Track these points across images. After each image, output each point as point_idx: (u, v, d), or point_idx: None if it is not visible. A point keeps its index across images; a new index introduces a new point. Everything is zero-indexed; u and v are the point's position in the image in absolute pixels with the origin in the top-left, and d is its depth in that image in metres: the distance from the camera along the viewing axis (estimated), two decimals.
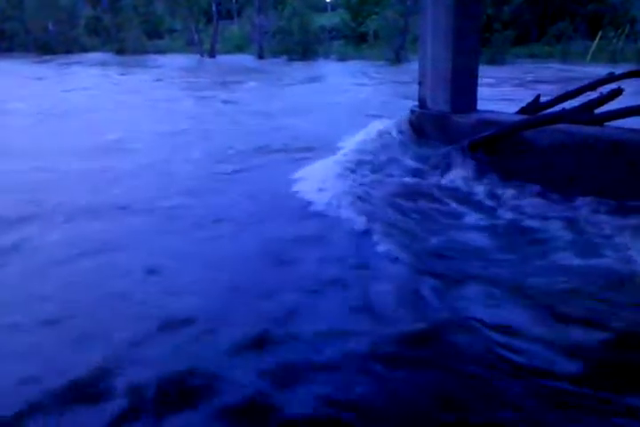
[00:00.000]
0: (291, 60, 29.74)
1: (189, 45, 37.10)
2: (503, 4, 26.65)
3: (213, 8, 34.96)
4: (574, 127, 5.59)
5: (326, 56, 30.58)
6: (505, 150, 6.18)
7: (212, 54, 34.17)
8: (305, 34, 30.46)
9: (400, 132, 7.41)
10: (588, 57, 22.49)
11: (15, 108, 13.46)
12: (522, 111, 6.87)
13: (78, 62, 31.45)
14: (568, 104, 6.06)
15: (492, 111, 7.06)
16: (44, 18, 41.65)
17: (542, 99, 6.90)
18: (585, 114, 5.47)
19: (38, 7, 41.65)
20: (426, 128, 7.24)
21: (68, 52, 40.24)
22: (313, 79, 19.75)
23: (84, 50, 41.16)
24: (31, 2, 42.22)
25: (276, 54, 31.60)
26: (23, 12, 43.11)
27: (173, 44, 39.60)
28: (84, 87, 18.10)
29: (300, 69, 24.50)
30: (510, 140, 6.09)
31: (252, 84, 18.71)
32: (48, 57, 37.07)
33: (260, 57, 31.87)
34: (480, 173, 6.14)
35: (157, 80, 20.40)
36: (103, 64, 29.56)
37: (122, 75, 23.19)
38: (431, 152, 6.80)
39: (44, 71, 25.40)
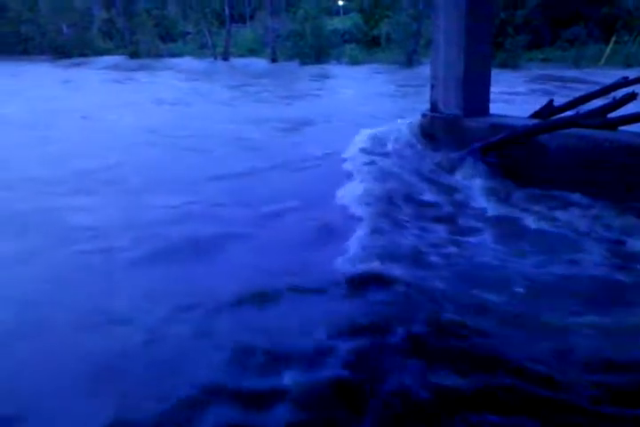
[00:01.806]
0: (303, 63, 29.79)
1: (202, 48, 37.26)
2: (516, 9, 26.54)
3: (226, 11, 35.12)
4: (587, 132, 5.55)
5: (339, 59, 30.62)
6: (517, 154, 6.15)
7: (225, 57, 34.30)
8: (317, 37, 30.53)
9: (411, 135, 7.40)
10: (602, 61, 22.35)
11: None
12: (535, 115, 6.83)
13: (111, 67, 30.80)
14: (582, 108, 6.02)
15: (504, 115, 7.03)
16: (59, 20, 42.06)
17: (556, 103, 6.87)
18: (598, 118, 5.42)
19: (53, 10, 42.10)
20: (437, 132, 7.21)
21: (82, 54, 40.50)
22: (407, 86, 17.82)
23: (98, 53, 41.40)
24: (46, 4, 42.64)
25: (288, 58, 31.68)
26: (38, 14, 43.53)
27: (186, 48, 39.76)
28: (182, 101, 16.05)
29: (351, 74, 23.85)
30: (523, 144, 6.06)
31: (348, 91, 17.32)
32: (77, 60, 37.21)
33: (273, 60, 31.96)
34: (492, 178, 6.11)
35: (232, 88, 19.06)
36: (140, 69, 28.87)
37: (184, 81, 21.91)
38: (443, 156, 6.78)
39: (93, 78, 24.43)
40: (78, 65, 33.52)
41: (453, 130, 6.95)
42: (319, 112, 13.13)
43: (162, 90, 19.23)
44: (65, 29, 42.43)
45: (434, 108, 7.31)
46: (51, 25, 42.42)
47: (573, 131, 5.63)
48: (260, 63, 31.53)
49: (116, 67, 30.99)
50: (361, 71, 24.89)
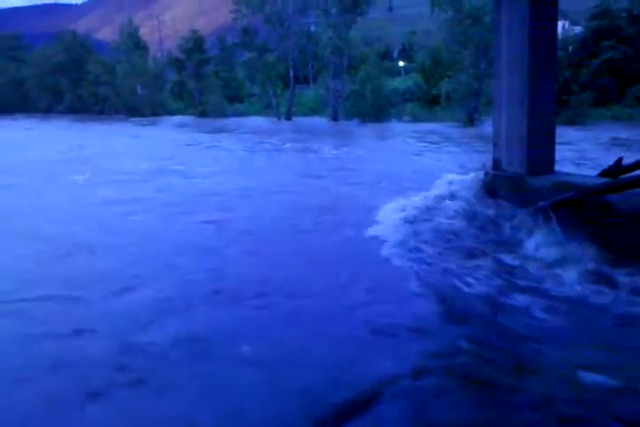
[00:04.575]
0: (363, 122, 30.35)
1: (266, 109, 38.60)
2: (581, 67, 26.39)
3: (290, 73, 36.46)
4: None
5: (399, 118, 31.05)
6: (585, 214, 5.89)
7: (288, 117, 35.39)
8: (377, 97, 31.14)
9: (473, 193, 7.25)
10: None
11: None
12: (603, 174, 6.58)
13: (212, 132, 27.87)
14: None
15: (570, 173, 6.81)
16: (134, 83, 44.73)
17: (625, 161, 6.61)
18: None
19: (129, 73, 44.84)
20: (500, 190, 7.03)
21: (155, 114, 42.74)
22: None
23: (169, 112, 43.61)
24: (123, 68, 45.50)
25: (348, 117, 32.39)
26: (115, 76, 46.46)
27: (251, 108, 41.33)
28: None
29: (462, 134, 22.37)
30: (591, 203, 5.81)
31: None
32: (162, 119, 38.76)
33: (334, 119, 32.73)
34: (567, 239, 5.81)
35: (403, 155, 16.23)
36: (247, 132, 26.60)
37: (335, 148, 18.64)
38: (508, 215, 6.57)
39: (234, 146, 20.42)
40: (183, 127, 32.93)
41: (517, 188, 6.76)
42: None
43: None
44: (139, 91, 45.01)
45: (496, 166, 7.16)
46: (126, 87, 45.12)
47: None
48: (322, 122, 32.29)
49: (220, 131, 28.28)
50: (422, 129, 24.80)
